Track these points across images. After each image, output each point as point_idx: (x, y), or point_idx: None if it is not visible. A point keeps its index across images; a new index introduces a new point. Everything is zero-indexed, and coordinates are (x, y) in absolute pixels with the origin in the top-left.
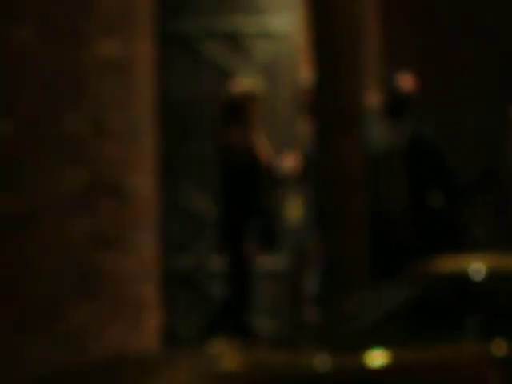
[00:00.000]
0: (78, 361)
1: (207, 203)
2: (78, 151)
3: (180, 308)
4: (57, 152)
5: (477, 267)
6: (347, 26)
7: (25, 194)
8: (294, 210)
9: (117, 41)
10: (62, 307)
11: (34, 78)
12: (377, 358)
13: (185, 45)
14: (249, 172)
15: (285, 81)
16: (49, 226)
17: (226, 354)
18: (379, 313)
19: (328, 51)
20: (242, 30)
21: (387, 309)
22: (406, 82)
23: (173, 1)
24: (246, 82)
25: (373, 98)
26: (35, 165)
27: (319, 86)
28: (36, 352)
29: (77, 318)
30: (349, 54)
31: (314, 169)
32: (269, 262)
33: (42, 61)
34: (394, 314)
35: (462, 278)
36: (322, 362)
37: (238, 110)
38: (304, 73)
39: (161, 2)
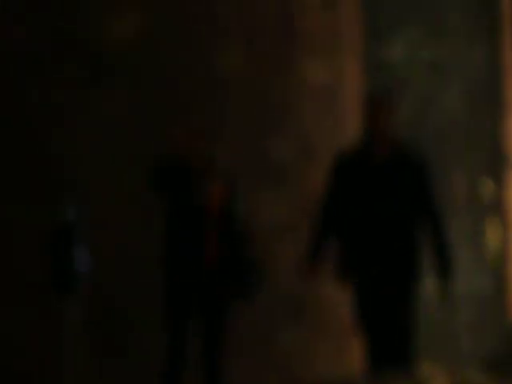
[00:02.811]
0: None
1: None
2: (284, 175)
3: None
4: (263, 176)
5: None
6: None
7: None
8: (493, 235)
9: (324, 66)
10: (275, 333)
11: (239, 104)
12: None
13: (389, 71)
14: None
15: (485, 104)
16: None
17: (434, 378)
18: None
19: None
20: (444, 57)
21: None
22: None
23: (378, 28)
24: None
25: None
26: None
27: None
28: (241, 376)
29: (283, 342)
30: None
31: None
32: (471, 287)
33: (247, 87)
34: None
35: None
36: None
37: None
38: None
39: (367, 30)
